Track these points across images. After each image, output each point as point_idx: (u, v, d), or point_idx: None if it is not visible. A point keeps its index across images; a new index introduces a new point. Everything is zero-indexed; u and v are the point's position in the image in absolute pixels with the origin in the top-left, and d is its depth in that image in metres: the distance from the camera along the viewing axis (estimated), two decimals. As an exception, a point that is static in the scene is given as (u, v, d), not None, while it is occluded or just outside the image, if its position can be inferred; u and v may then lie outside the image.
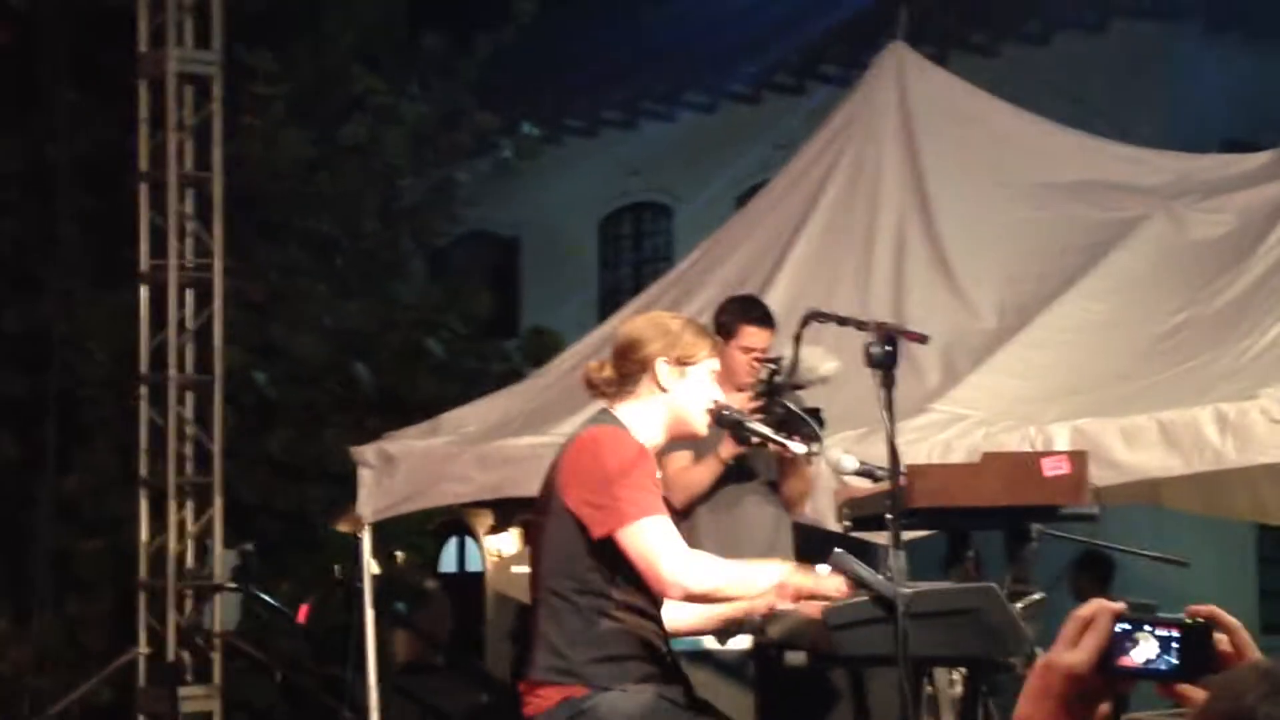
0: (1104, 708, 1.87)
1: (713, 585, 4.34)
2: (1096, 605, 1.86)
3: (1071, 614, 1.87)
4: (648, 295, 9.02)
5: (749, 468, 6.00)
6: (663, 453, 5.95)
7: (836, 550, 4.38)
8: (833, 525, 5.77)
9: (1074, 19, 14.95)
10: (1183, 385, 6.40)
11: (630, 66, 17.61)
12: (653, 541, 4.25)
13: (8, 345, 11.75)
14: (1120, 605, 1.86)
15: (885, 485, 4.62)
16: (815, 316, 5.18)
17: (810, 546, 5.91)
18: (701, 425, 4.57)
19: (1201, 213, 7.70)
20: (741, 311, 6.18)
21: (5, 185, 11.87)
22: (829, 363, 5.74)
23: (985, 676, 5.00)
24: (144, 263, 10.57)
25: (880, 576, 4.33)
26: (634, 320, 4.72)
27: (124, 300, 10.88)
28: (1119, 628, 1.84)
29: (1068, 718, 1.84)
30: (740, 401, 5.67)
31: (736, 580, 4.42)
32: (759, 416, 5.39)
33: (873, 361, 4.49)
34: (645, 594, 4.35)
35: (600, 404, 4.59)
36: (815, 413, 5.77)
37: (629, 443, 4.36)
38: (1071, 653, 1.84)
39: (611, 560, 4.32)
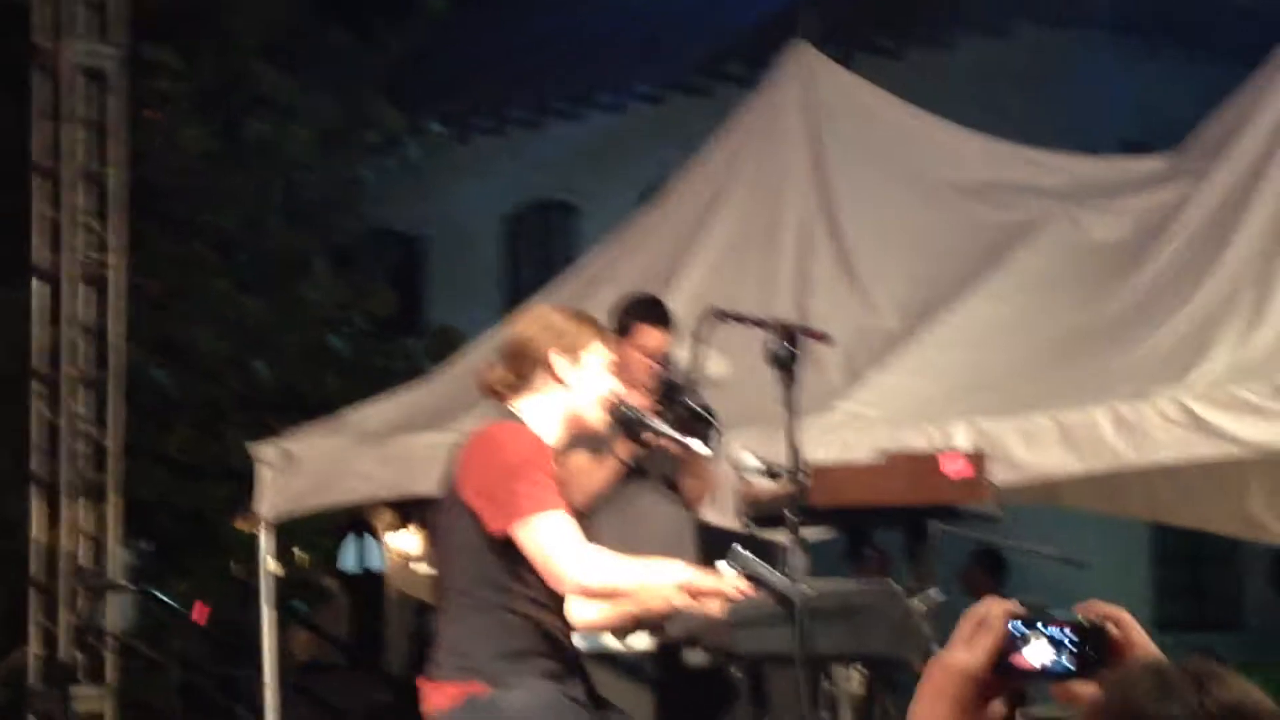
0: (999, 706, 1.85)
1: (611, 581, 4.31)
2: (990, 604, 1.85)
3: (965, 613, 1.85)
4: (548, 291, 8.97)
5: (647, 467, 5.97)
6: (561, 453, 5.93)
7: (735, 548, 4.36)
8: (734, 524, 5.76)
9: (980, 23, 15.03)
10: (1081, 385, 6.44)
11: (538, 67, 17.56)
12: (550, 537, 4.21)
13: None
14: (1014, 604, 1.85)
15: (786, 484, 4.60)
16: (717, 315, 5.16)
17: (712, 546, 5.89)
18: (599, 419, 4.54)
19: (1101, 215, 7.75)
20: (639, 311, 6.15)
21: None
22: (718, 364, 5.73)
23: (884, 674, 5.01)
24: (39, 257, 10.41)
25: (780, 575, 4.32)
26: (519, 320, 4.67)
27: (19, 296, 10.71)
28: (1012, 627, 1.82)
29: (963, 716, 1.82)
30: (638, 401, 5.65)
31: (635, 577, 4.38)
32: (658, 416, 5.36)
33: (774, 360, 4.48)
34: (547, 588, 4.31)
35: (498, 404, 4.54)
36: (708, 411, 5.76)
37: (527, 437, 4.33)
38: (965, 652, 1.82)
39: (512, 555, 4.28)
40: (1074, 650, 1.82)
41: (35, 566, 10.29)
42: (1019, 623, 1.83)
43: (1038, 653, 1.82)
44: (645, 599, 4.51)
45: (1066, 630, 1.83)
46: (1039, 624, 1.83)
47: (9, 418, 11.06)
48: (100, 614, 10.33)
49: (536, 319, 4.59)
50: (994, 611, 1.84)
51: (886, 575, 4.86)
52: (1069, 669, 1.82)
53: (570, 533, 4.25)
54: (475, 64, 17.68)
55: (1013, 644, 1.82)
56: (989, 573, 9.45)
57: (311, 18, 13.48)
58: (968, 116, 8.96)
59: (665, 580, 4.38)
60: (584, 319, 4.58)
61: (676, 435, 5.11)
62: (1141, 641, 1.85)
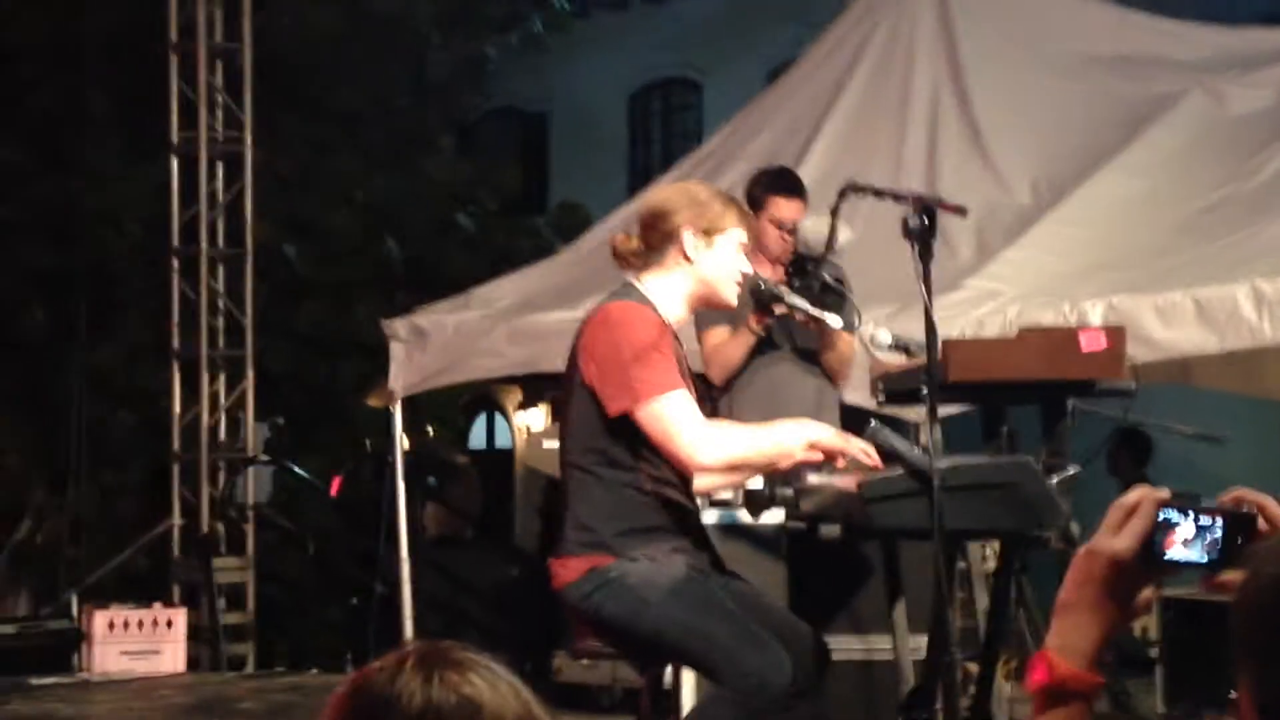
0: (1147, 593, 1.86)
1: (732, 455, 4.31)
2: (1140, 493, 1.85)
3: (1115, 502, 1.86)
4: (678, 171, 8.96)
5: (781, 339, 5.97)
6: (700, 328, 5.94)
7: (872, 423, 4.36)
8: (869, 402, 5.77)
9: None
10: (1220, 262, 6.34)
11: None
12: (668, 417, 4.22)
13: (39, 218, 11.75)
14: (1164, 493, 1.85)
15: (921, 359, 4.59)
16: (852, 188, 5.11)
17: (849, 425, 5.90)
18: (731, 296, 4.52)
19: (1241, 87, 7.60)
20: (771, 183, 6.12)
21: (33, 58, 11.80)
22: (844, 232, 5.69)
23: (1019, 552, 5.01)
24: (174, 135, 10.54)
25: (915, 450, 4.32)
26: (661, 189, 4.66)
27: (155, 173, 10.85)
28: (1162, 516, 1.82)
29: (1110, 603, 1.83)
30: (770, 274, 5.65)
31: (757, 446, 4.36)
32: (791, 288, 5.36)
33: (910, 233, 4.44)
34: (670, 465, 4.34)
35: (626, 275, 4.55)
36: (840, 283, 5.74)
37: (646, 317, 4.32)
38: (1115, 539, 1.82)
39: (633, 434, 4.31)
40: (1223, 539, 1.82)
41: (176, 440, 10.50)
42: (1169, 511, 1.83)
43: (1187, 542, 1.83)
44: (771, 465, 4.51)
45: (1216, 519, 1.83)
46: (1189, 512, 1.83)
47: (149, 293, 11.25)
48: (239, 487, 10.55)
49: (679, 192, 4.57)
50: (1144, 500, 1.84)
51: (1016, 453, 4.83)
52: (1218, 558, 1.82)
53: (689, 412, 4.25)
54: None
55: (1162, 533, 1.82)
56: (1133, 454, 9.37)
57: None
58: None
59: (790, 442, 4.36)
60: (727, 201, 4.55)
61: (811, 309, 5.09)
62: None
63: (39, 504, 11.62)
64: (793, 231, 5.95)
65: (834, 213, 5.42)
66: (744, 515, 5.21)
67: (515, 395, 15.45)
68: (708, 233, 4.41)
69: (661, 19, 17.91)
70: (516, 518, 14.73)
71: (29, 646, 8.82)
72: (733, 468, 4.43)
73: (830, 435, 4.36)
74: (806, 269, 5.72)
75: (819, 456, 4.37)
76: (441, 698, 1.67)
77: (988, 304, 6.54)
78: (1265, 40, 8.20)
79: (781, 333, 5.92)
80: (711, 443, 4.25)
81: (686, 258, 4.41)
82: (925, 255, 4.45)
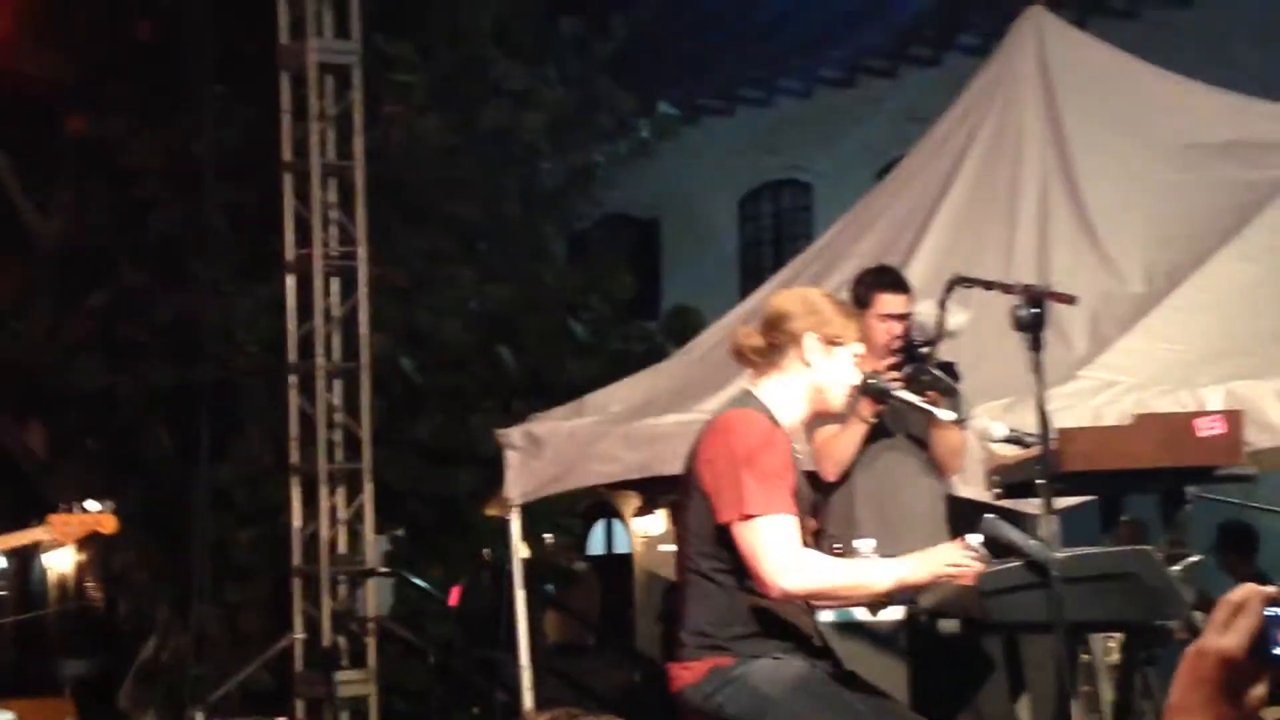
0: (1259, 691, 1.82)
1: (814, 587, 4.31)
2: (1247, 589, 1.82)
3: (1222, 599, 1.83)
4: (790, 269, 8.97)
5: (892, 424, 5.94)
6: (808, 428, 5.93)
7: (988, 515, 4.32)
8: (983, 495, 5.71)
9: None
10: (1339, 345, 6.25)
11: (766, 45, 17.54)
12: (762, 539, 4.23)
13: (159, 338, 11.96)
14: (1273, 589, 1.82)
15: (1036, 450, 4.55)
16: (960, 281, 5.11)
17: (958, 517, 5.85)
18: (839, 405, 4.54)
19: (1353, 170, 7.52)
20: (875, 280, 6.13)
21: (154, 180, 12.07)
22: (956, 316, 5.66)
23: (1143, 644, 4.92)
24: (289, 252, 10.71)
25: (1033, 541, 4.28)
26: (786, 293, 4.68)
27: (271, 290, 11.02)
28: (1270, 611, 1.80)
29: (1222, 703, 1.80)
30: (879, 367, 5.63)
31: (845, 581, 4.37)
32: (902, 383, 5.34)
33: (1020, 325, 4.43)
34: None
35: (743, 379, 4.56)
36: (949, 367, 5.71)
37: (762, 428, 4.33)
38: (1223, 637, 1.80)
39: None
40: None
41: (296, 554, 10.58)
42: (1277, 607, 1.80)
43: None
44: (856, 596, 4.52)
45: None
46: None
47: (267, 409, 11.38)
48: (359, 600, 10.60)
49: (802, 298, 4.59)
50: (1251, 596, 1.81)
51: (1141, 543, 4.75)
52: None
53: (788, 538, 4.25)
54: (703, 45, 17.72)
55: (1271, 630, 1.79)
56: (1239, 547, 9.21)
57: (541, 5, 13.65)
58: (1205, 75, 8.75)
59: (880, 579, 4.37)
60: (850, 314, 4.58)
61: (919, 401, 5.08)
62: None
63: (165, 622, 11.74)
64: (902, 318, 5.93)
65: (941, 305, 5.40)
66: (862, 612, 5.17)
67: (633, 501, 15.45)
68: (830, 341, 4.43)
69: (768, 121, 18.01)
70: (637, 622, 14.71)
71: (158, 763, 8.88)
72: (816, 596, 4.41)
73: (921, 570, 4.33)
74: (916, 357, 5.69)
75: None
76: None
77: (1104, 394, 6.47)
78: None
79: (892, 420, 5.89)
80: (797, 570, 4.23)
81: (806, 362, 4.42)
82: (1036, 345, 4.43)
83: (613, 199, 15.39)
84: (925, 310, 5.70)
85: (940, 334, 5.58)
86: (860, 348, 4.50)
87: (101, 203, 12.35)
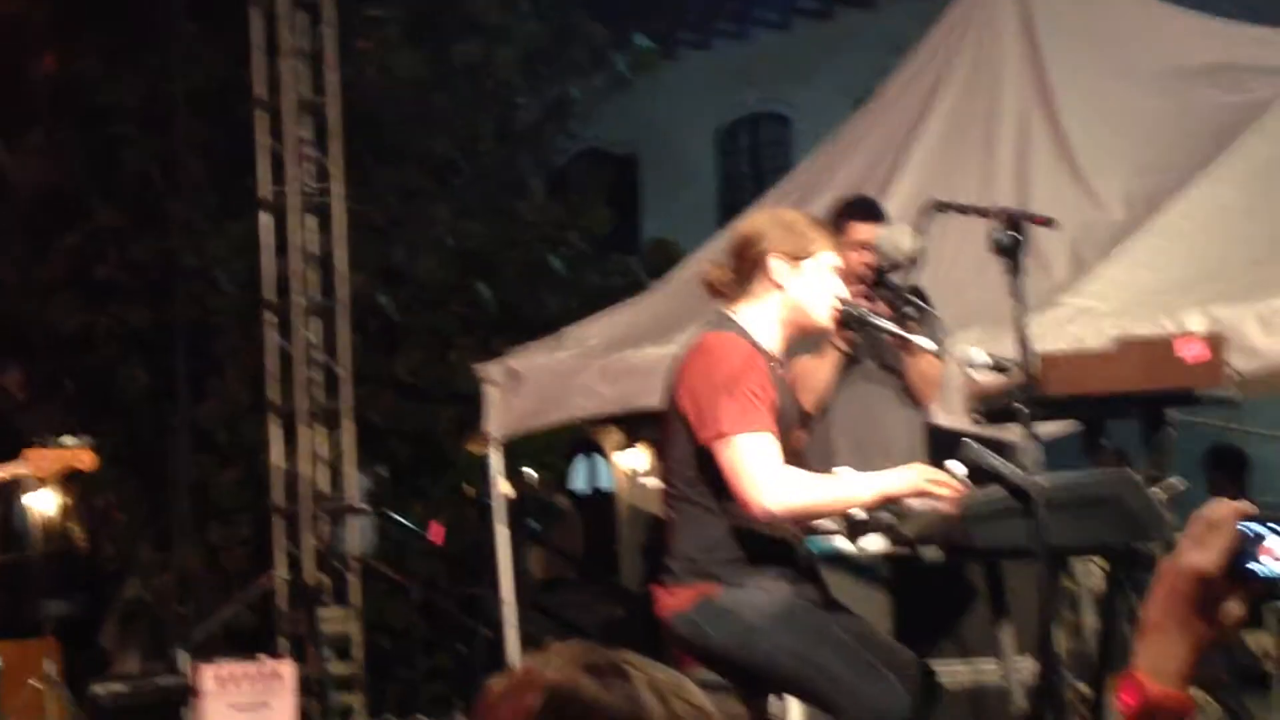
0: (1234, 607, 1.81)
1: (797, 505, 4.27)
2: (1222, 505, 1.81)
3: (1196, 515, 1.82)
4: (768, 202, 8.93)
5: (866, 354, 5.92)
6: (786, 357, 5.90)
7: (966, 441, 4.30)
8: (964, 423, 5.70)
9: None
10: (1321, 268, 6.23)
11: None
12: (742, 458, 4.20)
13: (135, 278, 11.88)
14: (1247, 505, 1.80)
15: (1017, 376, 4.52)
16: (938, 206, 5.08)
17: (940, 447, 5.83)
18: (823, 319, 4.50)
19: (1337, 93, 7.48)
20: (850, 209, 6.11)
21: (126, 120, 11.97)
22: (913, 239, 5.61)
23: (1126, 568, 4.92)
24: (264, 189, 10.63)
25: (1014, 467, 4.26)
26: (748, 218, 4.65)
27: (247, 228, 10.95)
28: (1246, 529, 1.78)
29: (1195, 619, 1.79)
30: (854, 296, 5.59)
31: (826, 498, 4.35)
32: (882, 311, 5.31)
33: (999, 248, 4.39)
34: None
35: (720, 306, 4.53)
36: (920, 293, 5.68)
37: (740, 348, 4.30)
38: (1198, 554, 1.79)
39: None
40: None
41: (276, 492, 10.56)
42: (1252, 524, 1.78)
43: (1271, 554, 1.78)
44: (838, 509, 4.50)
45: None
46: (1273, 526, 1.78)
47: (245, 348, 11.34)
48: (341, 537, 10.59)
49: (766, 219, 4.56)
50: (1226, 513, 1.79)
51: (1124, 467, 4.74)
52: None
53: (767, 456, 4.21)
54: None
55: (1245, 546, 1.78)
56: (1228, 470, 9.21)
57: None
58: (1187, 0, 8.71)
59: (861, 493, 4.35)
60: (815, 225, 4.54)
61: (897, 330, 5.05)
62: None
63: (147, 561, 11.71)
64: (871, 250, 5.90)
65: (919, 231, 5.37)
66: (843, 543, 5.16)
67: (615, 436, 15.44)
68: (795, 257, 4.40)
69: (745, 54, 17.92)
70: (621, 558, 14.72)
71: (141, 705, 8.87)
72: (799, 514, 4.38)
73: (903, 483, 4.31)
74: (885, 282, 5.66)
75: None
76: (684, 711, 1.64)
77: (1084, 320, 6.46)
78: (1359, 42, 8.07)
79: (868, 349, 5.86)
80: (778, 488, 4.20)
81: (775, 284, 4.39)
82: (1015, 270, 4.40)
83: (589, 134, 15.31)
84: (885, 235, 5.67)
85: (903, 258, 5.54)
86: (833, 257, 4.45)
87: (74, 142, 12.24)
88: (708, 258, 8.12)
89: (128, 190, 12.03)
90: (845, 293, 4.57)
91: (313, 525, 10.47)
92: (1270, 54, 8.00)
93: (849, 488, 4.38)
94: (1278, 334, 5.99)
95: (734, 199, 17.56)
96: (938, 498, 4.29)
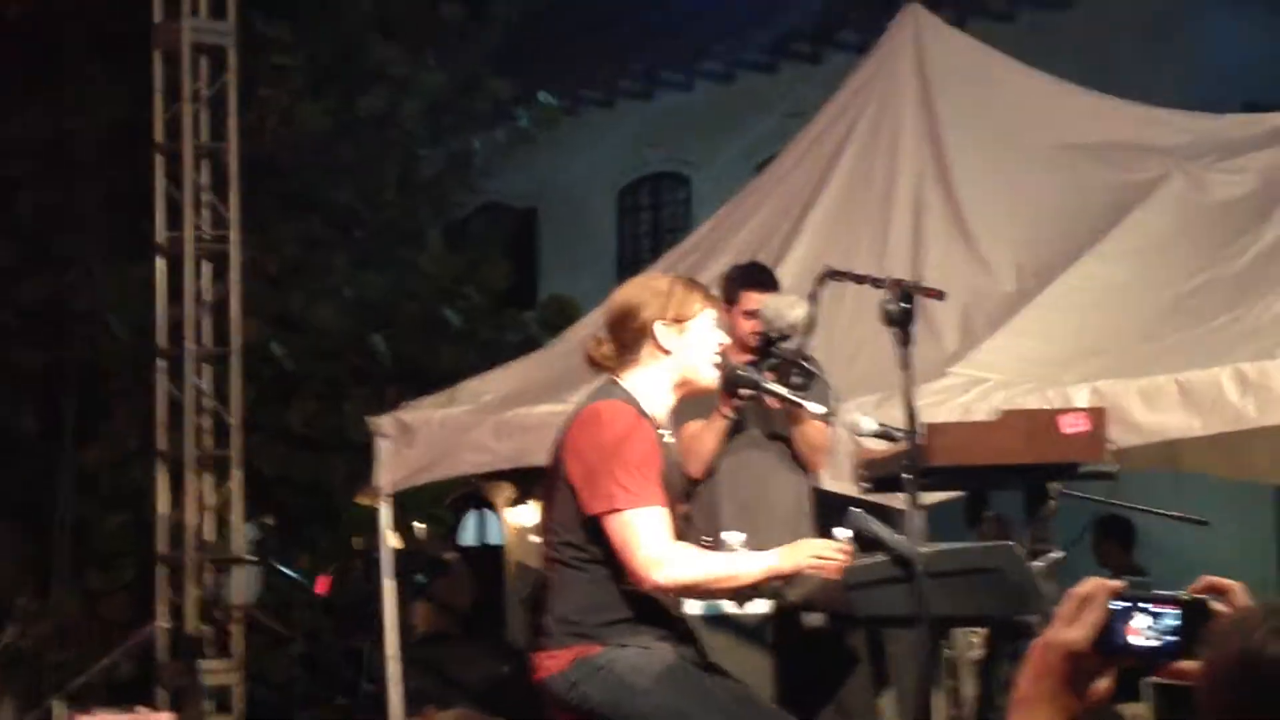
0: (1104, 684, 1.85)
1: (687, 580, 4.31)
2: (1093, 583, 1.86)
3: (1069, 592, 1.86)
4: (665, 262, 8.96)
5: (756, 421, 5.95)
6: (675, 421, 5.93)
7: (852, 510, 4.34)
8: (851, 489, 5.74)
9: (1093, -17, 14.81)
10: (1203, 346, 6.34)
11: (647, 35, 17.53)
12: (634, 531, 4.22)
13: (27, 318, 11.74)
14: (1117, 583, 1.86)
15: (903, 445, 4.57)
16: (831, 275, 5.13)
17: (828, 511, 5.87)
18: (710, 378, 4.52)
19: (1222, 173, 7.63)
20: (743, 277, 6.16)
21: (25, 157, 11.84)
22: (796, 308, 5.67)
23: (1005, 639, 4.96)
24: (160, 234, 10.55)
25: (898, 536, 4.30)
26: (623, 288, 4.64)
27: (142, 272, 10.86)
28: (1116, 605, 1.82)
29: (1066, 695, 1.83)
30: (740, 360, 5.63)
31: (716, 573, 4.38)
32: (771, 376, 5.34)
33: (889, 319, 4.44)
34: None
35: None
36: (809, 359, 5.72)
37: (629, 419, 4.31)
38: (1069, 630, 1.83)
39: None
40: (1178, 629, 1.82)
41: (161, 541, 10.44)
42: (1122, 601, 1.83)
43: (1140, 631, 1.82)
44: (726, 588, 4.55)
45: (1170, 609, 1.82)
46: (1142, 603, 1.83)
47: (135, 393, 11.22)
48: (225, 587, 10.48)
49: (640, 287, 4.57)
50: (1098, 590, 1.84)
51: (1006, 538, 4.79)
52: (1173, 647, 1.82)
53: (657, 529, 4.24)
54: (584, 35, 17.68)
55: (1117, 622, 1.82)
56: (1117, 539, 9.33)
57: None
58: (1082, 78, 8.85)
59: (750, 571, 4.40)
60: (690, 284, 4.56)
61: (789, 394, 5.08)
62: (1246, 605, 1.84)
63: (24, 608, 11.53)
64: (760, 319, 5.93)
65: (812, 298, 5.41)
66: (729, 605, 5.18)
67: (506, 491, 15.40)
68: (678, 320, 4.41)
69: (648, 114, 18.00)
70: (508, 614, 14.65)
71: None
72: (689, 590, 4.42)
73: (791, 559, 4.36)
74: (773, 350, 5.69)
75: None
76: None
77: (973, 391, 6.52)
78: (1244, 126, 8.23)
79: (754, 417, 5.90)
80: (669, 563, 4.23)
81: (663, 349, 4.41)
82: (905, 340, 4.45)
83: (491, 188, 15.33)
84: (770, 304, 5.73)
85: (787, 327, 5.59)
86: (712, 313, 4.48)
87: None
88: (596, 325, 8.14)
89: (21, 228, 11.90)
90: (727, 338, 4.59)
91: (197, 575, 10.36)
92: (1156, 134, 8.16)
93: (738, 564, 4.43)
94: (1160, 410, 6.07)
95: (633, 257, 17.63)
96: (824, 569, 4.32)
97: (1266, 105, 8.93)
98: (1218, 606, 1.84)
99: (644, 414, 4.36)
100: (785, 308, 5.66)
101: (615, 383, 4.44)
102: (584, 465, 4.29)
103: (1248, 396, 5.90)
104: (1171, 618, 1.82)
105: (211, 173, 10.68)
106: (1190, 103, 9.08)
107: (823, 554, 4.33)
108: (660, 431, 4.41)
